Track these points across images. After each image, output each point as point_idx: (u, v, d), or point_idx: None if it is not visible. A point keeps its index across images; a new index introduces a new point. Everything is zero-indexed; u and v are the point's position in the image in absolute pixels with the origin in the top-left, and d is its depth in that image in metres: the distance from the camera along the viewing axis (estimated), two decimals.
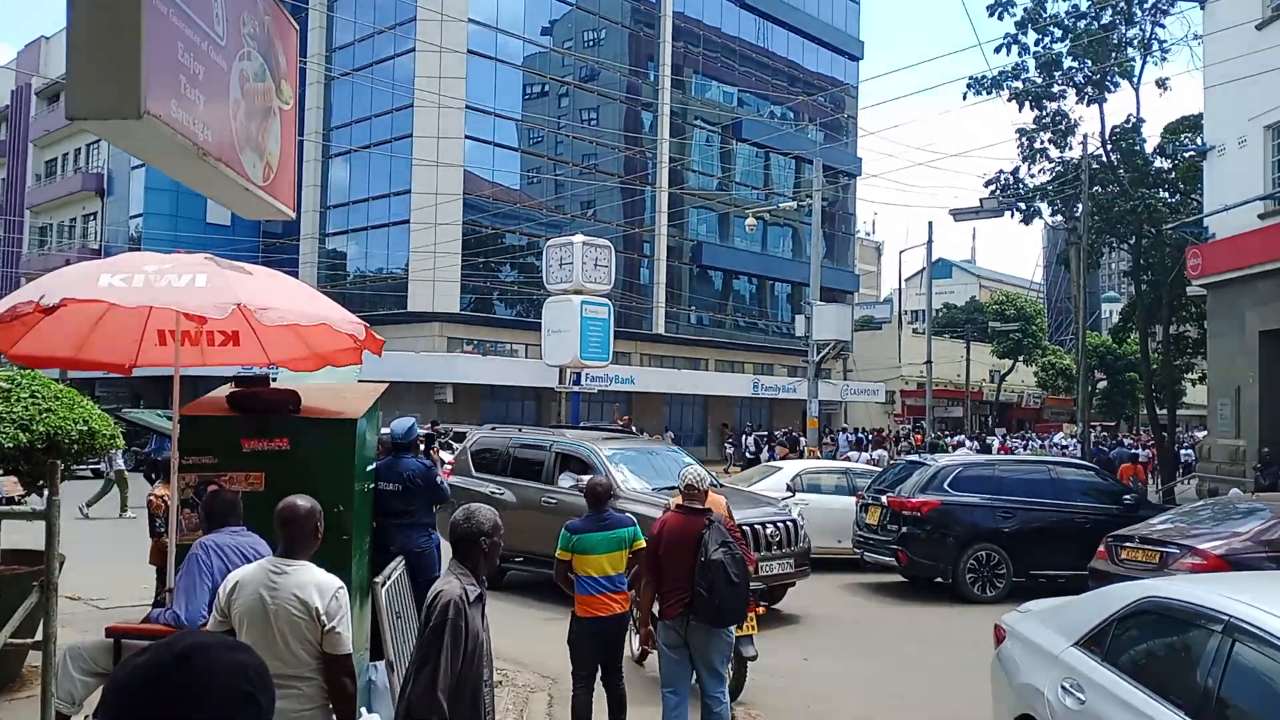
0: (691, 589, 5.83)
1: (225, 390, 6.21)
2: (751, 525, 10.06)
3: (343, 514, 5.89)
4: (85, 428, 9.01)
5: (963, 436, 42.52)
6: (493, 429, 14.07)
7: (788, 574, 10.51)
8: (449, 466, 14.50)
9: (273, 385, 6.30)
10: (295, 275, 40.61)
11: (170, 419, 6.72)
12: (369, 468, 6.58)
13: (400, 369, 30.82)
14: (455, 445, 22.04)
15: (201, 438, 5.92)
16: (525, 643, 9.05)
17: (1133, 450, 30.61)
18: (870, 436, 39.84)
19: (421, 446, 8.28)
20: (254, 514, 5.81)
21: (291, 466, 5.84)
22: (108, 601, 9.91)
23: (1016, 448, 40.47)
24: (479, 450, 12.86)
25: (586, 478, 9.91)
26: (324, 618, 3.74)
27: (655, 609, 6.25)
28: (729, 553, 5.82)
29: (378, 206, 41.04)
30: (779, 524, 10.46)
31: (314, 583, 3.80)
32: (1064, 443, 40.96)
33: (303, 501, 3.94)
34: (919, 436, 39.21)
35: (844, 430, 42.57)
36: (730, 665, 6.55)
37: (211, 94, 2.74)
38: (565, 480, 11.26)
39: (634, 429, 27.42)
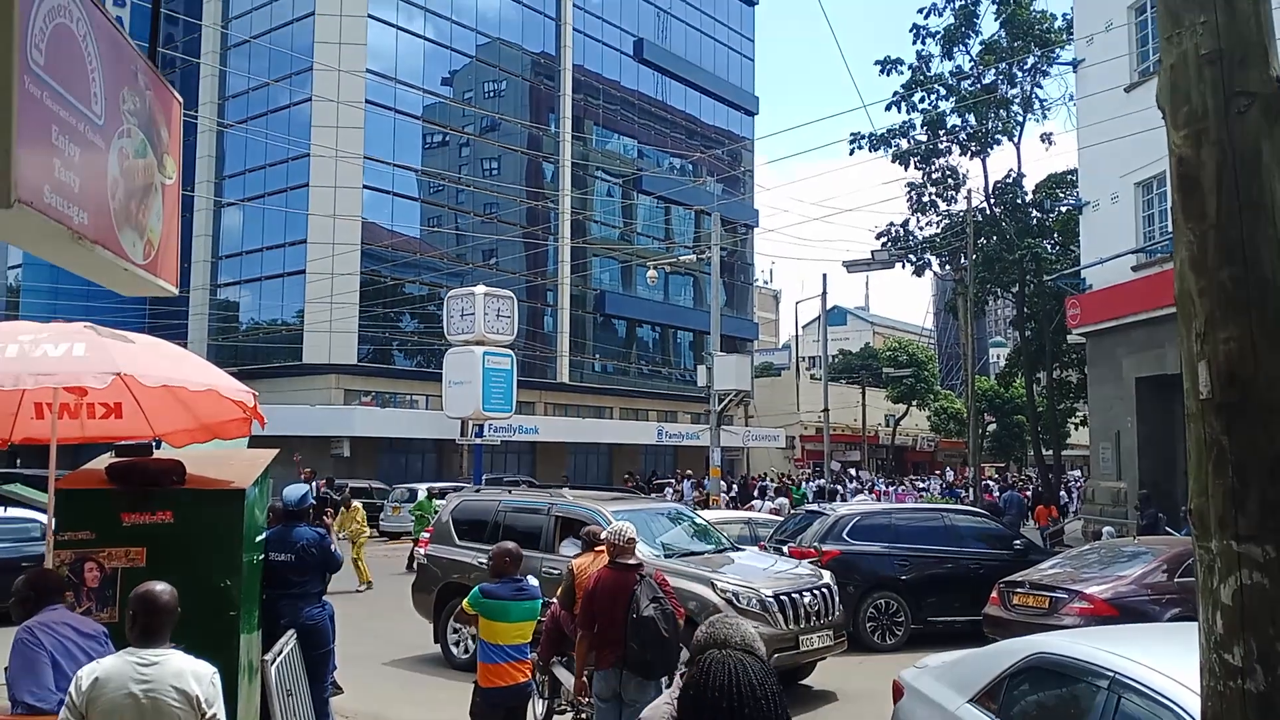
0: (624, 642, 6.04)
1: (105, 461, 5.95)
2: (789, 596, 9.25)
3: (230, 588, 5.68)
4: None
5: (856, 484, 42.08)
6: (476, 490, 12.95)
7: (827, 646, 9.62)
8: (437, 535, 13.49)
9: (156, 454, 6.06)
10: (185, 326, 39.55)
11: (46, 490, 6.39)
12: (259, 538, 6.36)
13: (295, 422, 30.07)
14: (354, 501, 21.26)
15: (79, 512, 5.64)
16: (424, 710, 8.82)
17: (1021, 493, 31.50)
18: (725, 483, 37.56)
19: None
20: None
21: (176, 541, 5.62)
22: None
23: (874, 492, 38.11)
24: (462, 515, 11.61)
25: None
26: (204, 705, 3.63)
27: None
28: (660, 608, 6.10)
29: (272, 256, 40.16)
30: (816, 592, 9.57)
31: (190, 671, 3.67)
32: (920, 484, 40.68)
33: (160, 587, 3.79)
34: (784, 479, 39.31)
35: (688, 476, 40.45)
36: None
37: (88, 175, 2.65)
38: (568, 548, 10.04)
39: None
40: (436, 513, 18.58)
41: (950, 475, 47.79)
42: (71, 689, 3.55)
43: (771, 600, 9.07)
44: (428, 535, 12.49)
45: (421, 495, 22.22)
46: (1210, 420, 2.26)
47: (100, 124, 2.75)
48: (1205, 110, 2.32)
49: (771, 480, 39.56)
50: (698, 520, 11.56)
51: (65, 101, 2.52)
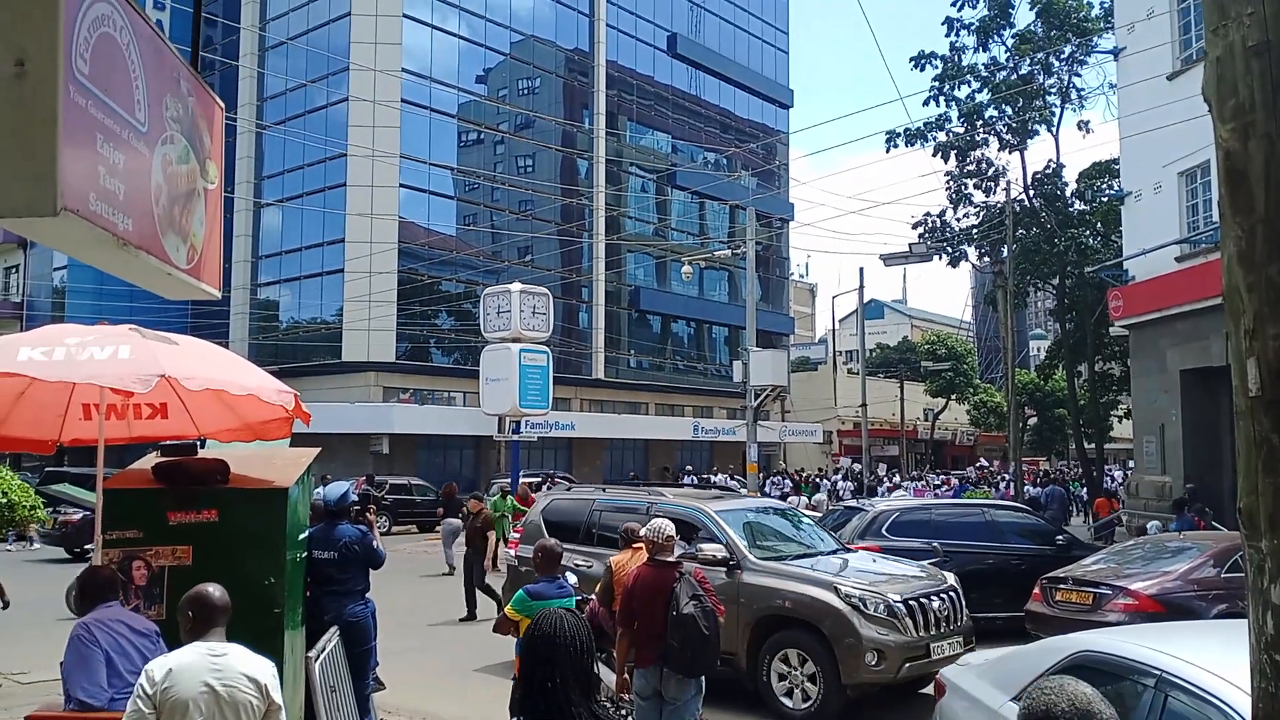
0: (664, 639, 6.01)
1: (151, 460, 6.05)
2: (918, 600, 8.56)
3: (274, 586, 5.76)
4: (3, 500, 8.76)
5: (896, 478, 41.58)
6: (568, 488, 12.34)
7: (957, 654, 8.52)
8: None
9: (200, 454, 6.15)
10: (226, 326, 40.06)
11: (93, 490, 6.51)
12: (301, 536, 6.44)
13: (334, 420, 30.37)
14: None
15: (126, 511, 5.75)
16: (466, 705, 8.89)
17: (1062, 485, 31.04)
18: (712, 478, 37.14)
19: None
20: (183, 588, 5.65)
21: (220, 539, 5.71)
22: (29, 676, 9.52)
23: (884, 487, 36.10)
24: (553, 515, 11.04)
25: (708, 545, 8.85)
26: (272, 694, 3.76)
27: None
28: (700, 606, 6.03)
29: (311, 255, 40.58)
30: (944, 596, 8.90)
31: (257, 662, 3.80)
32: (937, 480, 38.56)
33: (212, 587, 3.92)
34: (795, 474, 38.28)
35: (689, 471, 40.39)
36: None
37: (132, 182, 2.70)
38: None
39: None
40: (514, 509, 18.11)
41: (971, 472, 46.78)
42: (143, 680, 3.61)
43: (900, 605, 8.40)
44: (517, 536, 11.80)
45: (496, 494, 20.90)
46: (1260, 418, 2.22)
47: (144, 131, 2.80)
48: (1253, 103, 2.28)
49: (780, 476, 38.49)
50: (804, 519, 10.98)
51: (109, 109, 2.57)
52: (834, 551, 9.96)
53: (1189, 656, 4.24)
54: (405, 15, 39.33)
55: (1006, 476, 43.19)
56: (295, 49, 40.74)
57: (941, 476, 41.13)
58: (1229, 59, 2.36)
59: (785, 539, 10.02)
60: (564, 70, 46.12)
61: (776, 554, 9.39)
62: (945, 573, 9.71)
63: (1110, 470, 38.54)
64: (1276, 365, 2.19)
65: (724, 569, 8.83)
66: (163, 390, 5.87)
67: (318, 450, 6.62)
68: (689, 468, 39.42)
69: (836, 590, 8.41)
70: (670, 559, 6.37)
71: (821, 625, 8.31)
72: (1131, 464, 44.11)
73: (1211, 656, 4.18)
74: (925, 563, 10.53)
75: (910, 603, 8.48)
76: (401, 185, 39.04)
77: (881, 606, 8.34)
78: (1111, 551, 11.80)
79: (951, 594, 9.04)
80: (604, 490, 11.57)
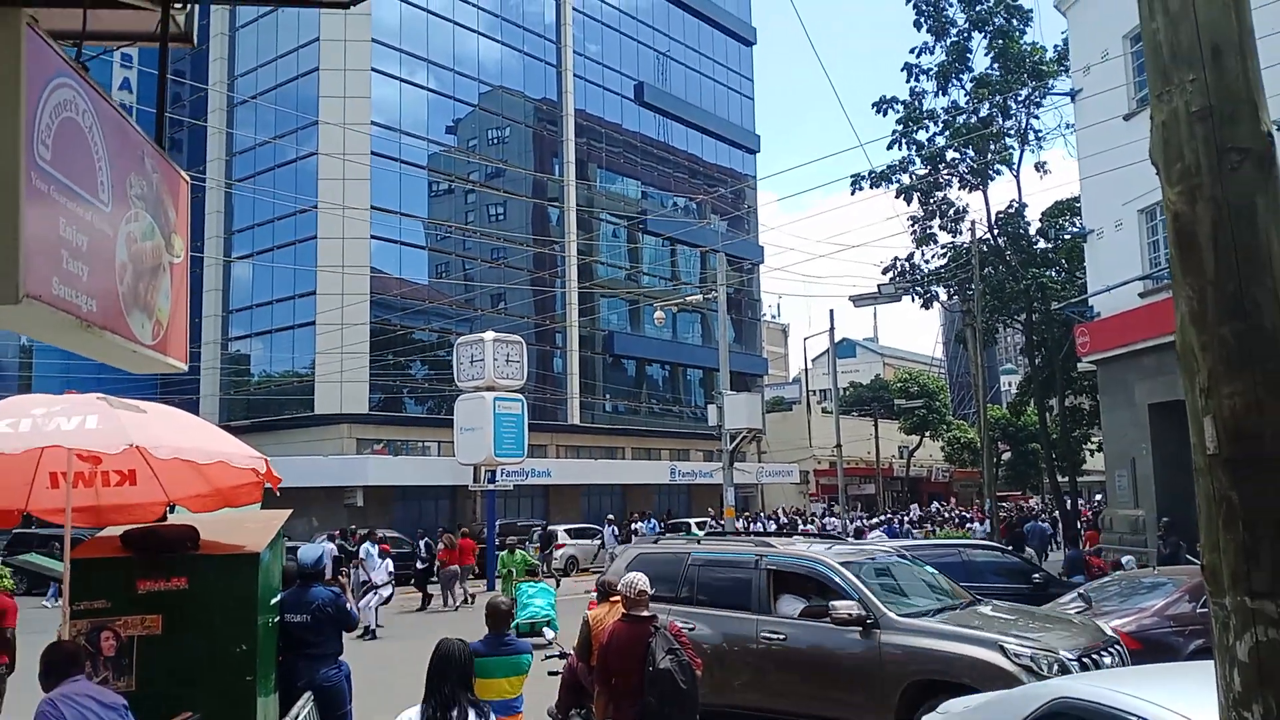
0: (642, 695, 5.89)
1: (120, 528, 5.97)
2: (1091, 657, 7.69)
3: (246, 653, 5.68)
4: None
5: (861, 516, 40.63)
6: (655, 540, 11.38)
7: None
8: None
9: (169, 520, 6.08)
10: (197, 381, 39.64)
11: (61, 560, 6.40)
12: (274, 600, 6.35)
13: (308, 474, 30.08)
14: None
15: (94, 581, 5.67)
16: None
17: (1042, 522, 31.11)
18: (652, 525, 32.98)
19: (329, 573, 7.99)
20: (153, 659, 5.56)
21: (191, 606, 5.63)
22: None
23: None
24: (641, 570, 10.36)
25: (841, 604, 8.05)
26: None
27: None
28: (676, 660, 5.93)
29: (282, 309, 40.38)
30: (1112, 651, 8.01)
31: None
32: (865, 524, 33.87)
33: None
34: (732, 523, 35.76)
35: (610, 521, 34.82)
36: None
37: (96, 263, 2.70)
38: (788, 605, 8.76)
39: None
40: (524, 565, 17.52)
41: (915, 511, 46.13)
42: None
43: (1074, 663, 7.45)
44: (595, 594, 11.15)
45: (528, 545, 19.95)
46: (1219, 475, 2.25)
47: (107, 211, 2.80)
48: (1198, 167, 2.34)
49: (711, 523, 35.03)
50: (927, 567, 10.10)
51: (72, 193, 2.57)
52: (973, 603, 8.99)
53: (1165, 702, 4.25)
54: (373, 69, 39.56)
55: (963, 514, 43.35)
56: (264, 105, 40.83)
57: (881, 517, 39.70)
58: (1174, 124, 2.42)
59: (915, 591, 9.13)
60: (533, 120, 46.48)
61: (914, 609, 8.50)
62: (1102, 624, 8.84)
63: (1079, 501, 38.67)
64: (1233, 424, 2.22)
65: (858, 629, 8.05)
66: (131, 457, 5.81)
67: (289, 513, 6.57)
68: (610, 516, 36.33)
69: (1003, 649, 7.51)
70: (644, 614, 6.27)
71: (980, 687, 7.27)
72: (1098, 496, 44.45)
73: (1187, 701, 4.19)
74: (1075, 613, 9.82)
75: (1084, 659, 7.61)
76: (373, 237, 39.01)
77: (1056, 667, 7.35)
78: (1088, 589, 11.83)
79: (1119, 650, 8.08)
80: (699, 542, 10.56)
